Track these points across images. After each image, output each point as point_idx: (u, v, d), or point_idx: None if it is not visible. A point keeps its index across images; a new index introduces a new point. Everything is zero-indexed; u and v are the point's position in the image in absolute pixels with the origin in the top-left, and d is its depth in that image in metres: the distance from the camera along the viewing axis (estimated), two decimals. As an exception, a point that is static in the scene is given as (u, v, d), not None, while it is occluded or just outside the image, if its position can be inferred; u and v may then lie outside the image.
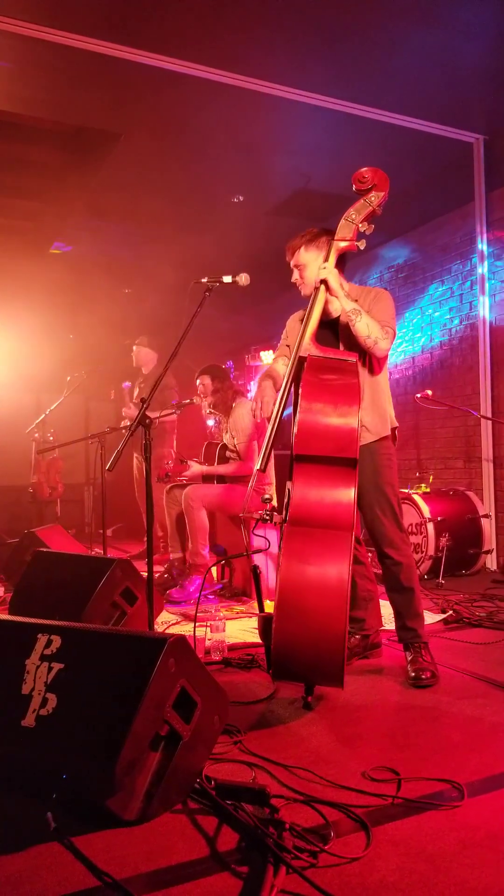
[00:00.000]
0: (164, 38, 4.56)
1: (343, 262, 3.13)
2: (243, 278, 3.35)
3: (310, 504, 2.54)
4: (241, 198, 6.90)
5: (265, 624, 2.79)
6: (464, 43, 4.66)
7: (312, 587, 2.41)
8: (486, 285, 5.94)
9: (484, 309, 5.96)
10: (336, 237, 2.99)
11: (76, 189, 6.62)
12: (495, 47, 4.70)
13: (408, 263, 7.03)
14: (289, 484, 2.73)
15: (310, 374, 2.67)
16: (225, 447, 5.16)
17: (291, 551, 2.46)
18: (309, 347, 2.81)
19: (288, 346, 3.31)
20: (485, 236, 5.96)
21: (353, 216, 2.98)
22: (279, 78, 5.05)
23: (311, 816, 1.85)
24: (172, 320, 4.73)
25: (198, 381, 5.18)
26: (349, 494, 2.55)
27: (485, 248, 5.96)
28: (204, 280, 3.31)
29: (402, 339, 6.97)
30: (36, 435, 7.33)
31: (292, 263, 3.18)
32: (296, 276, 3.18)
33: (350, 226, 2.98)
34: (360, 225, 2.98)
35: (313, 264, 3.07)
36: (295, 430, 2.60)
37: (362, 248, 3.00)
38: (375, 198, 2.97)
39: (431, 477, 5.59)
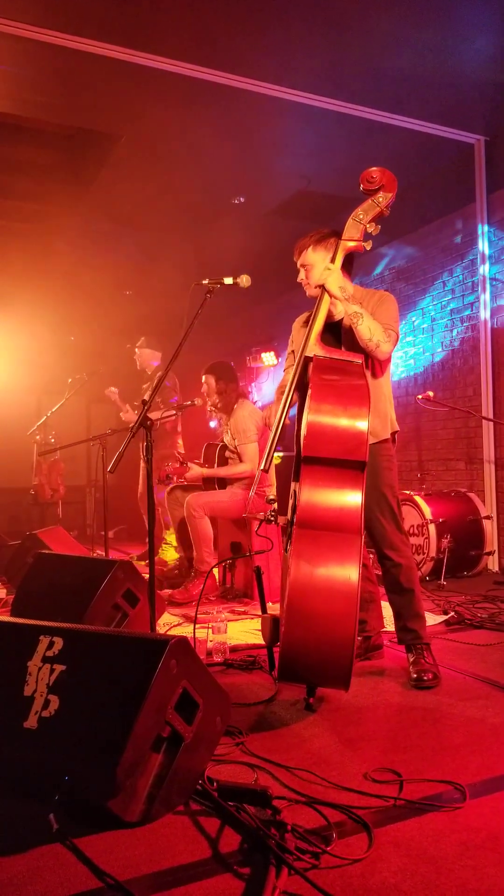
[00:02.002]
0: (163, 39, 4.57)
1: (350, 263, 3.13)
2: (244, 280, 3.35)
3: (318, 506, 2.53)
4: (242, 199, 6.91)
5: (269, 625, 2.79)
6: (465, 44, 4.67)
7: (322, 591, 2.40)
8: (488, 286, 5.94)
9: (485, 310, 5.96)
10: (343, 237, 2.99)
11: (76, 191, 6.63)
12: (496, 48, 4.71)
13: (409, 264, 7.03)
14: (294, 485, 2.73)
15: (317, 376, 2.66)
16: (225, 448, 5.15)
17: (300, 554, 2.45)
18: (314, 348, 2.81)
19: (293, 351, 3.30)
20: (486, 237, 5.97)
21: (361, 216, 2.97)
22: (279, 79, 5.06)
23: (313, 818, 1.85)
24: (173, 322, 4.73)
25: (203, 380, 5.16)
26: (357, 497, 2.54)
27: (486, 249, 5.96)
28: (205, 282, 3.31)
29: (403, 340, 6.97)
30: (37, 437, 7.34)
31: (299, 263, 3.16)
32: (302, 275, 3.17)
33: (358, 226, 2.97)
34: (368, 225, 2.97)
35: (320, 265, 3.05)
36: (303, 431, 2.59)
37: (369, 248, 3.00)
38: (383, 198, 2.96)
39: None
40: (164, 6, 4.24)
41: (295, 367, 2.84)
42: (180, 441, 6.64)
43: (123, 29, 4.46)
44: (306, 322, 3.24)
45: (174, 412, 5.94)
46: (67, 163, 6.19)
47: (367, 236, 2.99)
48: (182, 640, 1.93)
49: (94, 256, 8.10)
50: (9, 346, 8.81)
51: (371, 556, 3.62)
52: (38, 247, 7.95)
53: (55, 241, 7.86)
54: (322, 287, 2.93)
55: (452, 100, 5.35)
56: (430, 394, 5.66)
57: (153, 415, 5.31)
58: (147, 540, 3.08)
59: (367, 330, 2.91)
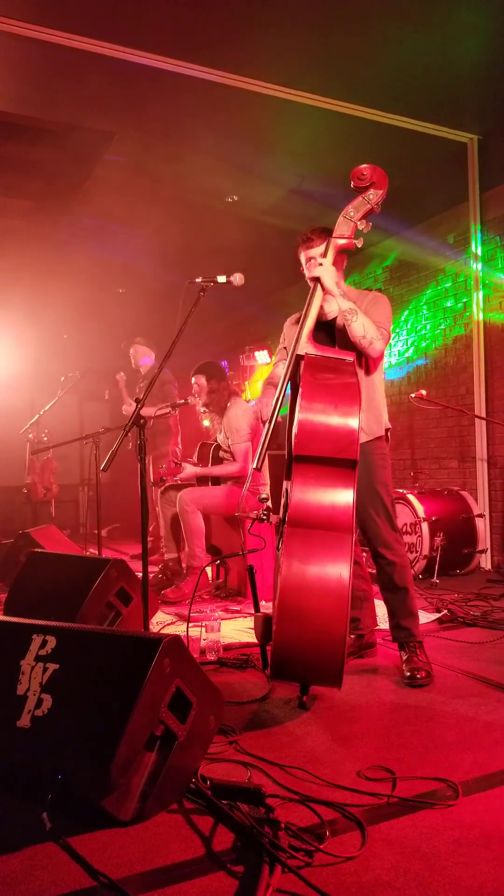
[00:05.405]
0: (157, 37, 4.56)
1: (343, 261, 3.12)
2: (237, 278, 3.35)
3: (309, 505, 2.53)
4: (235, 197, 6.90)
5: (262, 624, 2.79)
6: (458, 43, 4.68)
7: (313, 589, 2.41)
8: (481, 285, 5.96)
9: (478, 309, 5.97)
10: (334, 234, 2.98)
11: (69, 189, 6.61)
12: (489, 47, 4.71)
13: (402, 263, 7.03)
14: (286, 484, 2.73)
15: (309, 374, 2.66)
16: (219, 447, 5.15)
17: (292, 553, 2.45)
18: (306, 346, 2.81)
19: (285, 348, 3.29)
20: (479, 236, 5.97)
21: (352, 214, 2.96)
22: (273, 77, 5.06)
23: (306, 816, 1.85)
24: (167, 320, 4.73)
25: (193, 380, 5.16)
26: (349, 496, 2.54)
27: (479, 248, 5.97)
28: (198, 280, 3.31)
29: (397, 338, 6.98)
30: (30, 435, 7.32)
31: (309, 254, 3.11)
32: (318, 262, 3.07)
33: (348, 223, 2.97)
34: (359, 223, 2.96)
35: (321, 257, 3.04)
36: (294, 429, 2.59)
37: (360, 245, 2.99)
38: (374, 195, 2.96)
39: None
40: (157, 3, 4.23)
41: (286, 365, 2.83)
42: (179, 439, 6.64)
43: (117, 26, 4.45)
44: (298, 321, 3.23)
45: (169, 409, 5.94)
46: (61, 160, 6.17)
47: (357, 234, 2.98)
48: (175, 639, 1.93)
49: (86, 254, 8.08)
50: (1, 343, 8.78)
51: (365, 553, 3.63)
52: (30, 244, 7.93)
53: (48, 239, 7.83)
54: (316, 280, 2.93)
55: (445, 99, 5.36)
56: (423, 392, 5.67)
57: (148, 410, 5.30)
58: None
59: (361, 327, 2.91)
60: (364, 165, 2.97)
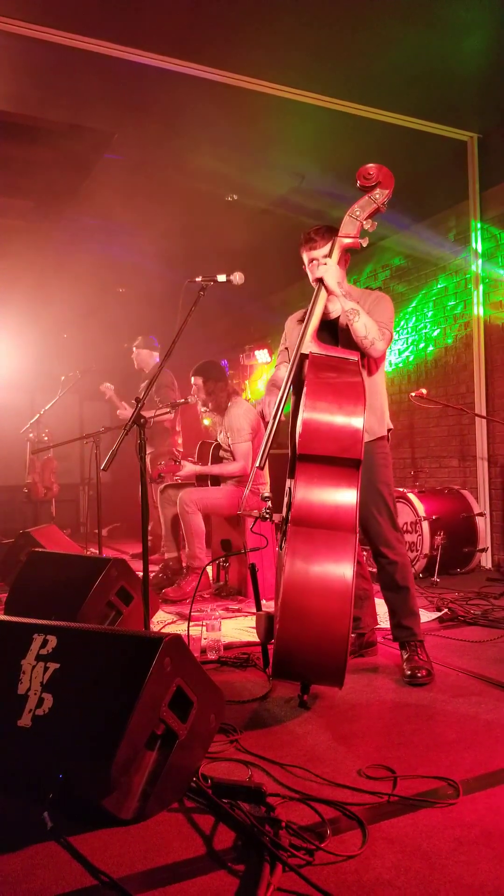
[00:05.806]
0: (156, 36, 4.56)
1: (347, 260, 3.12)
2: (237, 277, 3.35)
3: (312, 504, 2.53)
4: (235, 196, 6.90)
5: (264, 622, 2.80)
6: (458, 41, 4.67)
7: (316, 589, 2.41)
8: (481, 283, 5.95)
9: (478, 307, 5.96)
10: (340, 234, 2.97)
11: (69, 188, 6.61)
12: (489, 45, 4.71)
13: (403, 262, 7.03)
14: (289, 482, 2.73)
15: (313, 373, 2.65)
16: (219, 446, 5.15)
17: (295, 552, 2.45)
18: (311, 346, 2.81)
19: (287, 348, 3.29)
20: (479, 234, 5.97)
21: (358, 213, 2.96)
22: (272, 76, 5.05)
23: (307, 814, 1.85)
24: (167, 319, 4.74)
25: (192, 380, 5.16)
26: (352, 495, 2.54)
27: (479, 246, 5.97)
28: (198, 279, 3.31)
29: (397, 337, 6.97)
30: (31, 435, 7.33)
31: (312, 255, 3.10)
32: (322, 263, 3.07)
33: (354, 223, 2.96)
34: (365, 222, 2.96)
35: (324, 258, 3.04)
36: (299, 428, 2.59)
37: (365, 245, 2.99)
38: (380, 195, 2.94)
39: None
40: (157, 3, 4.22)
41: (291, 364, 2.83)
42: (180, 440, 6.64)
43: (116, 25, 4.45)
44: (301, 320, 3.23)
45: (168, 410, 5.93)
46: (61, 160, 6.17)
47: (363, 233, 2.98)
48: (176, 638, 1.93)
49: (87, 253, 8.08)
50: (2, 343, 8.79)
51: (365, 553, 3.63)
52: (30, 244, 7.93)
53: (48, 239, 7.83)
54: (320, 281, 2.93)
55: (446, 97, 5.35)
56: (424, 391, 5.66)
57: (147, 413, 5.30)
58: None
59: (363, 327, 2.91)
60: (370, 165, 2.96)
